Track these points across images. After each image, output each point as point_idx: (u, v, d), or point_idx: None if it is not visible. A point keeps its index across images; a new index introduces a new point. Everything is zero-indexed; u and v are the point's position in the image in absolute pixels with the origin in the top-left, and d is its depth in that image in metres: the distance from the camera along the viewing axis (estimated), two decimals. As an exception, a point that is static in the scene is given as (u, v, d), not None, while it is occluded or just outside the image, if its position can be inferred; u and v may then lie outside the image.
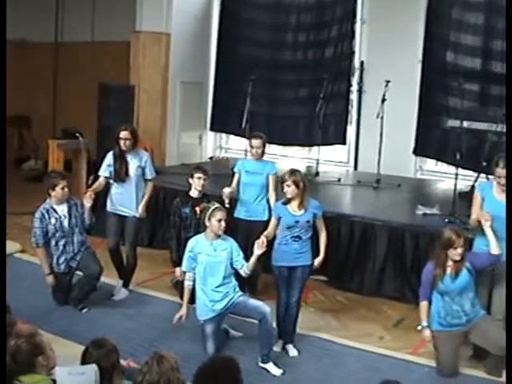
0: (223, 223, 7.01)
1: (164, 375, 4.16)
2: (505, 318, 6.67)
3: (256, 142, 8.56)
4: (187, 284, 7.15)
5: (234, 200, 8.63)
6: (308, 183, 7.29)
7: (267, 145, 8.91)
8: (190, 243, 7.15)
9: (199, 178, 8.26)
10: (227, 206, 7.90)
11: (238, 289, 7.13)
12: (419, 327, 6.69)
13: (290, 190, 7.01)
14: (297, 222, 7.00)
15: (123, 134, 8.31)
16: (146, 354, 4.45)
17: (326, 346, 7.47)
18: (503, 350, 6.39)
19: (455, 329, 6.65)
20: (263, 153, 8.66)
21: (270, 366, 6.76)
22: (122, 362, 4.87)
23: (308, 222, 7.07)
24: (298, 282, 7.14)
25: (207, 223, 7.02)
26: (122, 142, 8.30)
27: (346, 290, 9.15)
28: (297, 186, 7.00)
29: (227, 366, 4.30)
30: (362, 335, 7.75)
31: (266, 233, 7.00)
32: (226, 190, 8.30)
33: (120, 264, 8.68)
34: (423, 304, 6.71)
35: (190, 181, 8.32)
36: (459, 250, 6.48)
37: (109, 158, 8.47)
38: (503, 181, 6.70)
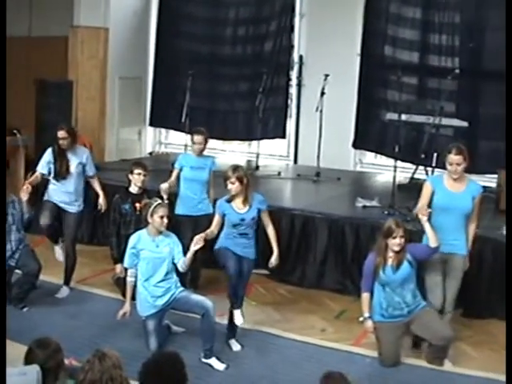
0: (165, 219, 6.96)
1: (106, 373, 4.12)
2: (453, 310, 6.86)
3: (198, 138, 8.50)
4: (130, 280, 7.08)
5: (174, 195, 8.59)
6: (251, 179, 7.20)
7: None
8: (132, 239, 7.09)
9: (139, 173, 8.20)
10: (166, 201, 7.85)
11: (179, 284, 7.10)
12: (361, 319, 6.74)
13: (234, 187, 6.89)
14: (242, 219, 6.94)
15: (60, 133, 8.21)
16: (88, 351, 4.39)
17: (269, 340, 7.47)
18: (444, 340, 6.54)
19: (397, 320, 6.72)
20: (204, 148, 8.63)
21: (213, 361, 6.74)
22: (65, 361, 4.82)
23: (253, 218, 7.01)
24: (244, 276, 7.14)
25: (149, 220, 6.96)
26: (60, 142, 8.21)
27: (288, 283, 9.17)
28: (241, 182, 6.89)
29: (171, 362, 4.28)
30: (305, 328, 7.78)
31: (208, 231, 6.96)
32: (164, 186, 8.23)
33: (54, 234, 8.60)
34: (365, 295, 6.76)
35: (130, 177, 8.26)
36: (398, 240, 6.55)
37: (48, 155, 8.36)
38: (455, 167, 6.77)
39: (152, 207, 6.93)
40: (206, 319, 6.76)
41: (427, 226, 6.66)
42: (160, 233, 7.00)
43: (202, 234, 6.77)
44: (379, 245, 6.70)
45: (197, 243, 6.67)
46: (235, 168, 7.00)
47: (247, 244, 7.06)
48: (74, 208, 8.37)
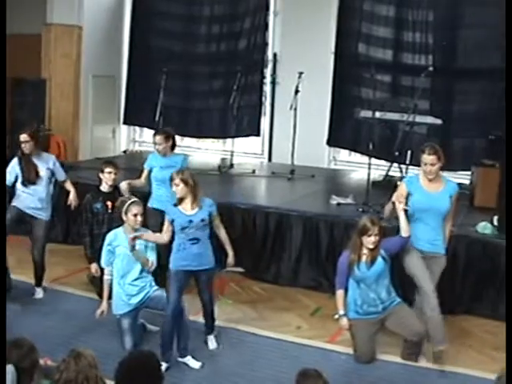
0: (139, 217, 6.95)
1: (82, 372, 4.11)
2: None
3: (158, 138, 8.42)
4: (106, 279, 7.07)
5: (147, 194, 8.58)
6: (198, 181, 6.91)
7: (181, 138, 8.83)
8: (109, 237, 7.06)
9: (109, 172, 8.17)
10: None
11: (153, 283, 7.08)
12: (336, 316, 6.75)
13: (178, 189, 6.72)
14: (190, 221, 6.70)
15: (22, 137, 8.05)
16: (63, 351, 4.37)
17: (245, 338, 7.47)
18: (417, 336, 6.58)
19: (372, 317, 6.75)
20: (173, 146, 8.57)
21: (189, 360, 6.74)
22: (40, 361, 4.79)
23: (203, 220, 6.78)
24: (206, 285, 7.04)
25: (124, 218, 6.96)
26: (22, 146, 8.08)
27: (263, 281, 9.18)
28: (185, 184, 6.71)
29: (147, 361, 4.28)
30: (280, 325, 7.78)
31: (156, 235, 6.99)
32: (123, 186, 8.19)
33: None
34: (339, 292, 6.76)
35: (101, 175, 8.23)
36: (373, 238, 6.57)
37: (13, 165, 8.14)
38: (429, 168, 6.79)
39: (126, 205, 6.91)
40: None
41: (401, 215, 6.66)
42: (135, 230, 6.96)
43: (137, 234, 6.78)
44: (354, 242, 6.71)
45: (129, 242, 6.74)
46: (179, 171, 6.91)
47: (201, 253, 6.79)
48: (43, 215, 8.22)
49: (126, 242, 6.89)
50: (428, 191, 6.86)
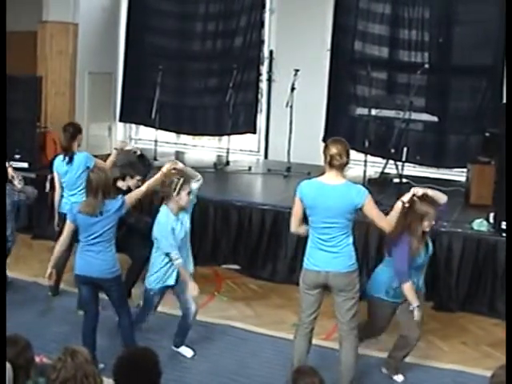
0: (190, 196, 6.83)
1: (80, 369, 4.09)
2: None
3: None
4: (177, 263, 6.61)
5: None
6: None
7: (178, 135, 8.80)
8: (166, 220, 6.78)
9: (138, 180, 7.95)
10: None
11: None
12: (411, 307, 6.21)
13: None
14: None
15: None
16: (58, 348, 4.36)
17: (240, 335, 7.48)
18: (412, 340, 6.44)
19: (397, 300, 6.40)
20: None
21: (183, 349, 6.86)
22: (35, 358, 4.79)
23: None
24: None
25: (176, 197, 6.69)
26: None
27: (258, 278, 9.19)
28: None
29: (146, 357, 4.27)
30: (275, 322, 7.79)
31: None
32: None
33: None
34: (409, 285, 6.19)
35: (128, 181, 7.97)
36: (430, 222, 6.24)
37: None
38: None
39: (179, 184, 6.66)
40: (185, 318, 6.85)
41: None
42: (182, 210, 6.82)
43: None
44: (415, 229, 6.19)
45: None
46: None
47: (98, 257, 6.45)
48: None
49: (175, 223, 6.74)
50: None
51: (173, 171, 6.80)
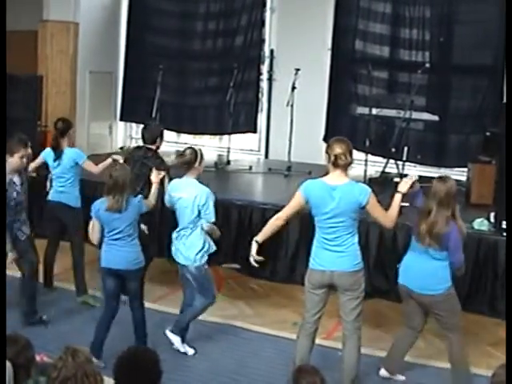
0: None
1: (80, 368, 4.09)
2: None
3: None
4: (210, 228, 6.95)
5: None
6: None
7: (178, 134, 8.79)
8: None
9: None
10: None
11: None
12: None
13: None
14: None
15: None
16: (57, 347, 4.36)
17: (241, 334, 7.50)
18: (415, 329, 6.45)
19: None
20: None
21: (172, 336, 6.98)
22: (36, 357, 4.79)
23: None
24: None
25: (198, 166, 6.90)
26: None
27: (259, 277, 9.17)
28: None
29: (147, 356, 4.26)
30: (276, 322, 7.80)
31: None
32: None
33: None
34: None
35: None
36: None
37: None
38: None
39: (200, 154, 6.91)
40: (186, 312, 7.06)
41: None
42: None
43: None
44: (455, 210, 6.06)
45: None
46: None
47: (122, 250, 6.70)
48: None
49: None
50: None
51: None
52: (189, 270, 6.89)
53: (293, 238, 9.06)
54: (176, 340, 6.95)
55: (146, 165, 7.77)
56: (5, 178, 7.42)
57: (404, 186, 6.16)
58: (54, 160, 8.23)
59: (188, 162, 6.85)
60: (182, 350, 7.01)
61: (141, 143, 8.24)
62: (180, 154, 6.94)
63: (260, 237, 6.26)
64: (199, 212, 6.77)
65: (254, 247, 6.22)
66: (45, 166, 8.45)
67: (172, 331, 7.00)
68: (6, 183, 7.23)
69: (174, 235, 6.97)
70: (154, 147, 7.99)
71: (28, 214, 7.69)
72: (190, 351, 6.98)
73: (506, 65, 9.82)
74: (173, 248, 7.00)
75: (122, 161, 7.95)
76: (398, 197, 6.13)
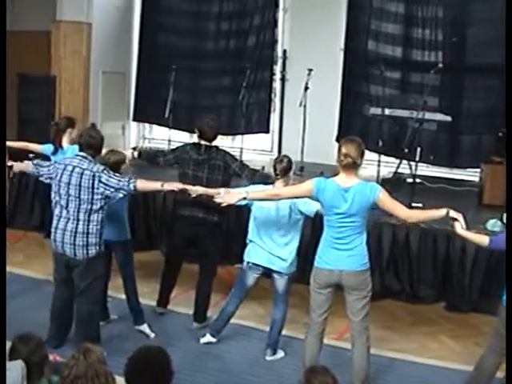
0: None
1: (91, 367, 4.11)
2: None
3: None
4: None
5: None
6: None
7: (191, 134, 8.80)
8: None
9: None
10: None
11: None
12: None
13: None
14: None
15: None
16: (67, 345, 4.39)
17: (253, 334, 7.52)
18: None
19: None
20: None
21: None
22: (49, 356, 4.81)
23: None
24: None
25: (286, 178, 6.95)
26: None
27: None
28: None
29: (159, 356, 4.28)
30: (288, 322, 7.75)
31: None
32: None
33: None
34: None
35: None
36: None
37: None
38: None
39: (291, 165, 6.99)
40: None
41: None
42: None
43: None
44: None
45: None
46: None
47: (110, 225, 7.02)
48: None
49: None
50: None
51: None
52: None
53: (305, 238, 9.02)
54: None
55: (219, 166, 7.95)
56: (5, 178, 7.49)
57: (455, 214, 5.88)
58: (53, 154, 8.25)
59: (286, 169, 6.87)
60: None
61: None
62: (280, 161, 6.91)
63: (252, 194, 6.35)
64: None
65: (239, 196, 6.29)
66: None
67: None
68: (5, 183, 7.28)
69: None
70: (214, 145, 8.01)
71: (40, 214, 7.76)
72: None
73: (506, 65, 9.81)
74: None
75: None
76: (443, 211, 5.88)
